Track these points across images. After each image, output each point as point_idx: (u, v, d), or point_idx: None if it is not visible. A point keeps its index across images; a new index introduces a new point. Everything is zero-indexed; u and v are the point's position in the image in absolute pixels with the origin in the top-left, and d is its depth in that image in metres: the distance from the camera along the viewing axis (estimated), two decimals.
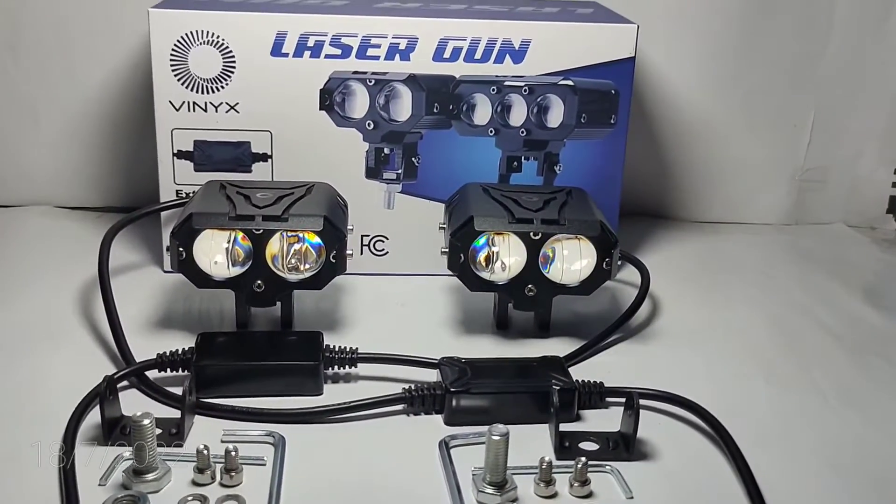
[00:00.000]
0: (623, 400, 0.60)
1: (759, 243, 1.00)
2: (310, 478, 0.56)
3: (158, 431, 0.57)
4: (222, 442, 0.57)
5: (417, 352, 0.67)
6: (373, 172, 0.82)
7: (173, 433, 0.58)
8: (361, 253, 0.84)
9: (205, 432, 0.59)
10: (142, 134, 0.84)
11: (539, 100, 0.81)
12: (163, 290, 0.80)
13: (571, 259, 0.71)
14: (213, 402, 0.62)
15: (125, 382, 0.64)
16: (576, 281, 0.72)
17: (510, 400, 0.62)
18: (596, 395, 0.64)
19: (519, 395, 0.63)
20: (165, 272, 0.83)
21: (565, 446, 0.59)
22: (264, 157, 0.81)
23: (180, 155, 0.80)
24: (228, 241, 0.68)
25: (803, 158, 1.03)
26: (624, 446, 0.59)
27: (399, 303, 0.80)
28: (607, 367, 0.70)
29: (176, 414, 0.59)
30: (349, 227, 0.74)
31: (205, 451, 0.54)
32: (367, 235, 0.84)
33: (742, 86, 1.00)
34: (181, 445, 0.57)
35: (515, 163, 0.83)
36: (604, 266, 0.71)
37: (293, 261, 0.68)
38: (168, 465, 0.54)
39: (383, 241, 0.84)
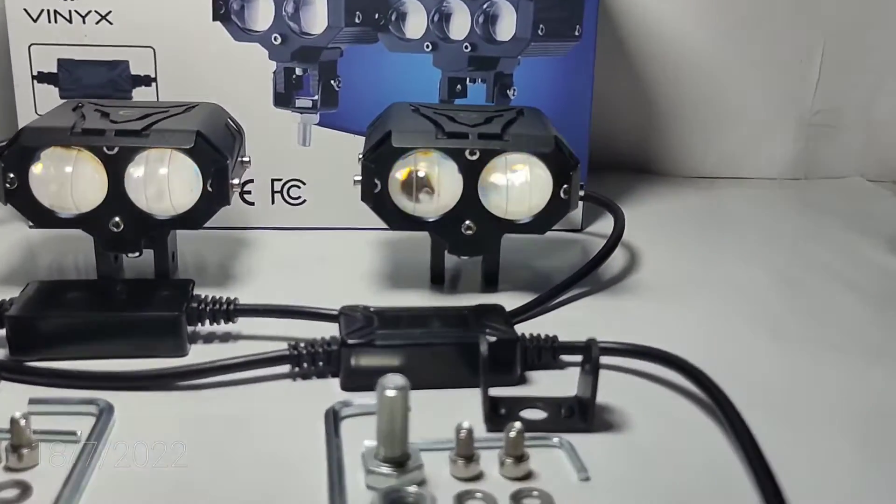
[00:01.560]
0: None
1: (762, 198, 0.86)
2: (135, 459, 0.40)
3: None
4: (30, 413, 0.42)
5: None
6: (283, 99, 0.68)
7: None
8: (273, 202, 0.69)
9: (16, 403, 0.43)
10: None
11: (485, 7, 0.67)
12: (29, 245, 0.65)
13: (519, 185, 0.55)
14: (27, 366, 0.46)
15: None
16: (526, 214, 0.56)
17: (429, 356, 0.47)
18: (548, 350, 0.48)
19: (441, 348, 0.47)
20: (31, 227, 0.67)
21: (500, 414, 0.44)
22: (147, 81, 0.66)
23: (41, 78, 0.66)
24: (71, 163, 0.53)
25: (811, 100, 0.89)
26: (580, 414, 0.43)
27: (319, 258, 0.65)
28: (570, 322, 0.55)
29: None
30: (245, 158, 0.60)
31: None
32: (279, 180, 0.69)
33: (740, 12, 0.86)
34: None
35: (459, 86, 0.68)
36: (561, 195, 0.56)
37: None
38: None
39: (299, 187, 0.69)
